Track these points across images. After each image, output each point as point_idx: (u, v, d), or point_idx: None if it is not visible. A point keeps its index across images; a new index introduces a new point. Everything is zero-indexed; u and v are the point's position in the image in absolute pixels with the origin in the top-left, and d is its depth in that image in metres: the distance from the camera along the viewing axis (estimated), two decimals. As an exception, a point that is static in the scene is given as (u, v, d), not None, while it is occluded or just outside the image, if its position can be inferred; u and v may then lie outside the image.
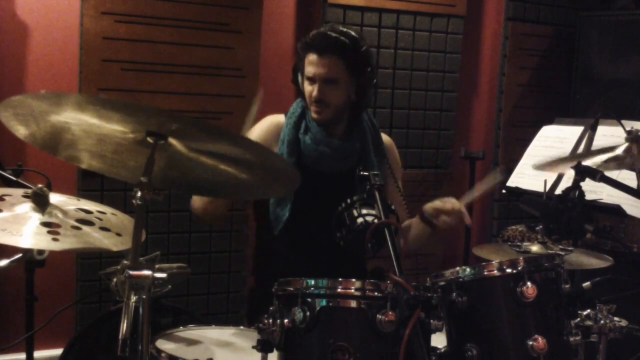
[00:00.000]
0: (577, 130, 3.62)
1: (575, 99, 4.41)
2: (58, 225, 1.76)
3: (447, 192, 4.28)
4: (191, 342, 2.08)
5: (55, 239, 1.71)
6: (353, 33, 2.49)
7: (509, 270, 1.83)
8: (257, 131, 2.56)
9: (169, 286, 1.74)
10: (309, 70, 2.45)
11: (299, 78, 2.52)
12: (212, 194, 2.25)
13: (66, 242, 1.72)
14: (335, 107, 2.48)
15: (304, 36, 2.50)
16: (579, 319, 1.97)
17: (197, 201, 2.49)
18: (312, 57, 2.44)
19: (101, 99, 1.56)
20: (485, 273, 1.85)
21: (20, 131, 1.70)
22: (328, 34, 2.45)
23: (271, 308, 1.78)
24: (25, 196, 1.84)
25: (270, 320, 1.73)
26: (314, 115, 2.49)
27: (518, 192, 3.50)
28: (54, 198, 1.85)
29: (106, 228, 1.83)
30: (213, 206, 2.47)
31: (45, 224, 1.75)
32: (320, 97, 2.44)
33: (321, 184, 2.42)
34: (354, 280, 1.73)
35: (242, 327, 2.27)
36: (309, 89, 2.47)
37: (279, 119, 2.60)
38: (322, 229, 2.11)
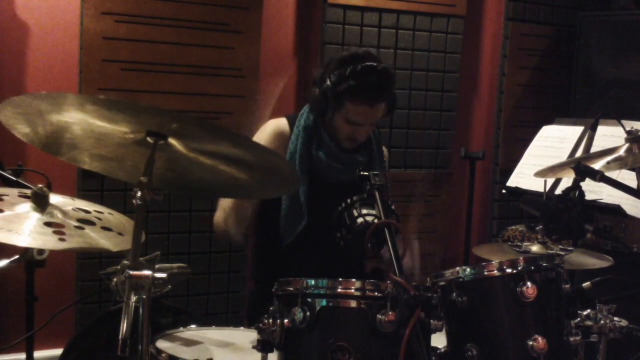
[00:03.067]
0: (577, 130, 3.62)
1: (575, 99, 4.41)
2: (61, 225, 1.76)
3: (447, 192, 4.30)
4: (191, 342, 2.08)
5: (62, 239, 1.72)
6: (390, 69, 2.42)
7: (509, 270, 1.83)
8: (261, 139, 2.51)
9: (169, 286, 1.74)
10: (356, 118, 2.40)
11: (329, 113, 2.43)
12: (210, 195, 2.25)
13: (73, 242, 1.72)
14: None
15: (340, 77, 2.36)
16: (579, 319, 1.97)
17: (220, 222, 2.50)
18: (360, 107, 2.37)
19: (102, 99, 1.56)
20: (485, 273, 1.84)
21: (21, 131, 1.70)
22: (377, 83, 2.36)
23: (271, 308, 1.78)
24: (23, 196, 1.84)
25: (270, 320, 1.73)
26: (346, 147, 2.49)
27: (518, 192, 3.50)
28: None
29: (107, 228, 1.83)
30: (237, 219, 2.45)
31: (47, 224, 1.76)
32: (364, 139, 2.46)
33: (329, 194, 2.40)
34: (354, 280, 1.73)
35: (242, 327, 2.27)
36: (349, 129, 2.43)
37: (281, 124, 2.56)
38: (331, 238, 2.11)
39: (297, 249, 2.50)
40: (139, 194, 1.62)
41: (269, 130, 2.56)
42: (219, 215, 2.52)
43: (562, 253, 2.22)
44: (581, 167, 2.21)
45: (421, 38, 4.07)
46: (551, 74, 4.51)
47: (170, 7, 3.42)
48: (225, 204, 2.50)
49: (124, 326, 1.51)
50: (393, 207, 2.05)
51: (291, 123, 2.55)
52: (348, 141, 2.48)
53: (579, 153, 3.36)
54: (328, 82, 2.39)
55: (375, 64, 2.37)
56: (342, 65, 2.39)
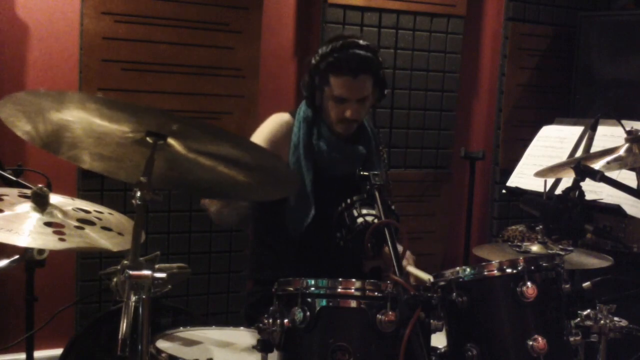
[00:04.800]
0: (577, 130, 3.62)
1: (575, 99, 4.40)
2: (61, 225, 1.76)
3: (447, 192, 4.30)
4: (191, 342, 2.08)
5: (62, 239, 1.72)
6: (372, 45, 2.46)
7: (509, 270, 1.83)
8: (266, 130, 2.53)
9: (169, 286, 1.74)
10: (341, 92, 2.40)
11: (318, 95, 2.47)
12: (210, 195, 2.25)
13: (73, 242, 1.72)
14: (361, 121, 2.51)
15: (322, 55, 2.42)
16: (579, 319, 1.97)
17: (210, 205, 2.49)
18: (344, 79, 2.39)
19: (103, 98, 1.57)
20: (485, 273, 1.84)
21: (21, 129, 1.70)
22: (359, 55, 2.39)
23: (271, 308, 1.78)
24: (23, 196, 1.84)
25: (270, 320, 1.73)
26: (340, 131, 2.49)
27: (518, 192, 3.50)
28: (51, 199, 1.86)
29: (107, 228, 1.83)
30: (229, 209, 2.46)
31: (47, 224, 1.76)
32: (356, 117, 2.45)
33: (333, 187, 2.41)
34: (354, 280, 1.73)
35: (242, 327, 2.27)
36: (338, 108, 2.44)
37: (286, 118, 2.58)
38: (333, 233, 2.11)
39: (301, 243, 2.50)
40: (139, 194, 1.62)
41: (273, 121, 2.58)
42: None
43: (562, 253, 2.22)
44: (581, 167, 2.21)
45: (421, 38, 4.07)
46: (551, 74, 4.51)
47: (170, 7, 3.42)
48: None
49: (124, 326, 1.50)
50: (393, 207, 2.05)
51: (294, 117, 2.57)
52: (340, 124, 2.48)
53: (579, 153, 3.35)
54: (313, 62, 2.45)
55: (357, 40, 2.43)
56: (326, 44, 2.46)
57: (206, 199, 2.49)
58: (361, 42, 2.43)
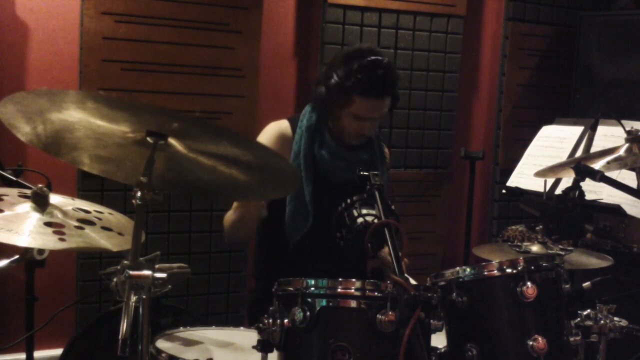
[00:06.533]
0: (577, 130, 3.62)
1: (575, 99, 4.40)
2: (61, 225, 1.76)
3: (447, 192, 4.30)
4: (191, 342, 2.08)
5: (62, 239, 1.72)
6: (390, 60, 2.46)
7: (509, 270, 1.83)
8: (263, 142, 2.49)
9: (169, 286, 1.74)
10: (365, 113, 2.40)
11: (337, 110, 2.44)
12: (210, 196, 2.25)
13: (73, 242, 1.73)
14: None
15: (347, 72, 2.37)
16: (579, 319, 1.97)
17: (228, 226, 2.50)
18: (370, 101, 2.38)
19: (103, 97, 1.56)
20: (485, 273, 1.85)
21: (21, 130, 1.70)
22: (385, 77, 2.39)
23: (271, 308, 1.78)
24: (23, 196, 1.84)
25: (270, 320, 1.73)
26: (354, 143, 2.50)
27: (518, 192, 3.50)
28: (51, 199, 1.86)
29: (107, 228, 1.83)
30: (243, 224, 2.46)
31: (47, 224, 1.76)
32: (373, 133, 2.47)
33: (334, 194, 2.40)
34: (354, 280, 1.73)
35: (242, 327, 2.27)
36: (357, 125, 2.43)
37: (283, 126, 2.57)
38: (335, 239, 2.11)
39: (301, 248, 2.50)
40: (139, 194, 1.62)
41: (271, 132, 2.56)
42: (228, 215, 2.51)
43: (562, 253, 2.22)
44: (581, 167, 2.21)
45: (421, 38, 4.07)
46: (551, 74, 4.52)
47: (170, 7, 3.42)
48: (236, 205, 2.50)
49: (124, 326, 1.50)
50: (393, 207, 2.05)
51: (293, 125, 2.55)
52: (356, 137, 2.48)
53: (579, 153, 3.36)
54: (335, 78, 2.40)
55: (380, 57, 2.41)
56: (347, 60, 2.41)
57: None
58: (384, 60, 2.41)
